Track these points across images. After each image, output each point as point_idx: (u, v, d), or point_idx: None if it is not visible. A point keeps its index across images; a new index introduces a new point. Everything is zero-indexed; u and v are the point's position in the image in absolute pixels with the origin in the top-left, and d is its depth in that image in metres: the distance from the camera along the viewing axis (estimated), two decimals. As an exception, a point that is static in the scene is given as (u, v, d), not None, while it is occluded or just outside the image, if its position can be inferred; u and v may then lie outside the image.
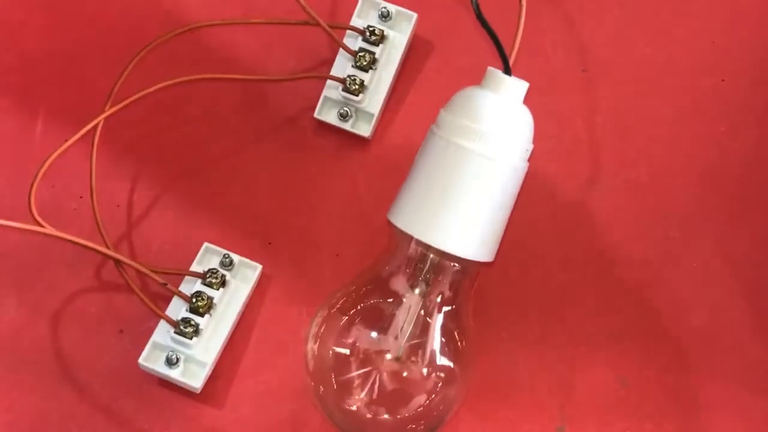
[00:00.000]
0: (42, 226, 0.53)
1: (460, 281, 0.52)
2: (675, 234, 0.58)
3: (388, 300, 0.51)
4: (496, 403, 0.55)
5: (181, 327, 0.54)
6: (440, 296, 0.51)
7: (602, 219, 0.59)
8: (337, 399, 0.51)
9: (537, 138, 0.60)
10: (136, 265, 0.55)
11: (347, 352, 0.51)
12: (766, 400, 0.54)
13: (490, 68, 0.51)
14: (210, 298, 0.55)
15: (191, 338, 0.54)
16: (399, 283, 0.51)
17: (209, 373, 0.55)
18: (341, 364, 0.51)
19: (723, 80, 0.61)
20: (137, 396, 0.55)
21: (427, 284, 0.51)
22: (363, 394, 0.50)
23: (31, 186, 0.57)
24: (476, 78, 0.52)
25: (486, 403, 0.55)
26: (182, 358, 0.54)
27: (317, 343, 0.51)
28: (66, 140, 0.55)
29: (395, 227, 0.50)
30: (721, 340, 0.56)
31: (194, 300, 0.54)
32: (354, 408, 0.51)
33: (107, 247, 0.56)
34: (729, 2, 0.63)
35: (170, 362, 0.54)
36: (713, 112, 0.61)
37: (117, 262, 0.56)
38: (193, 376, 0.54)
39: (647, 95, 0.61)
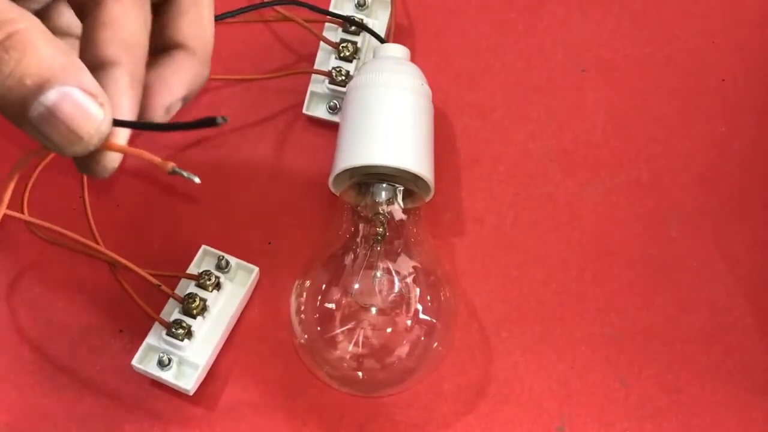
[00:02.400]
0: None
1: (406, 221, 0.55)
2: (675, 234, 0.58)
3: (350, 255, 0.54)
4: (496, 403, 0.55)
5: (173, 329, 0.53)
6: (393, 239, 0.55)
7: (602, 219, 0.59)
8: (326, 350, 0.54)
9: (537, 137, 0.61)
10: (131, 265, 0.55)
11: (333, 306, 0.53)
12: (766, 400, 0.54)
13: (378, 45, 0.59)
14: (203, 300, 0.54)
15: (182, 340, 0.53)
16: (356, 237, 0.55)
17: (203, 375, 0.54)
18: (327, 322, 0.53)
19: (723, 80, 0.61)
20: (137, 396, 0.55)
21: (380, 232, 0.54)
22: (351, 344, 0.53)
23: (26, 185, 0.57)
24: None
25: (486, 403, 0.55)
26: (175, 360, 0.54)
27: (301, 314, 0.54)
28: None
29: (339, 179, 0.55)
30: (721, 340, 0.56)
31: (187, 302, 0.54)
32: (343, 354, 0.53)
33: (102, 249, 0.56)
34: (729, 2, 0.63)
35: (162, 364, 0.53)
36: (713, 112, 0.61)
37: (111, 264, 0.56)
38: (185, 378, 0.54)
39: (647, 95, 0.61)
